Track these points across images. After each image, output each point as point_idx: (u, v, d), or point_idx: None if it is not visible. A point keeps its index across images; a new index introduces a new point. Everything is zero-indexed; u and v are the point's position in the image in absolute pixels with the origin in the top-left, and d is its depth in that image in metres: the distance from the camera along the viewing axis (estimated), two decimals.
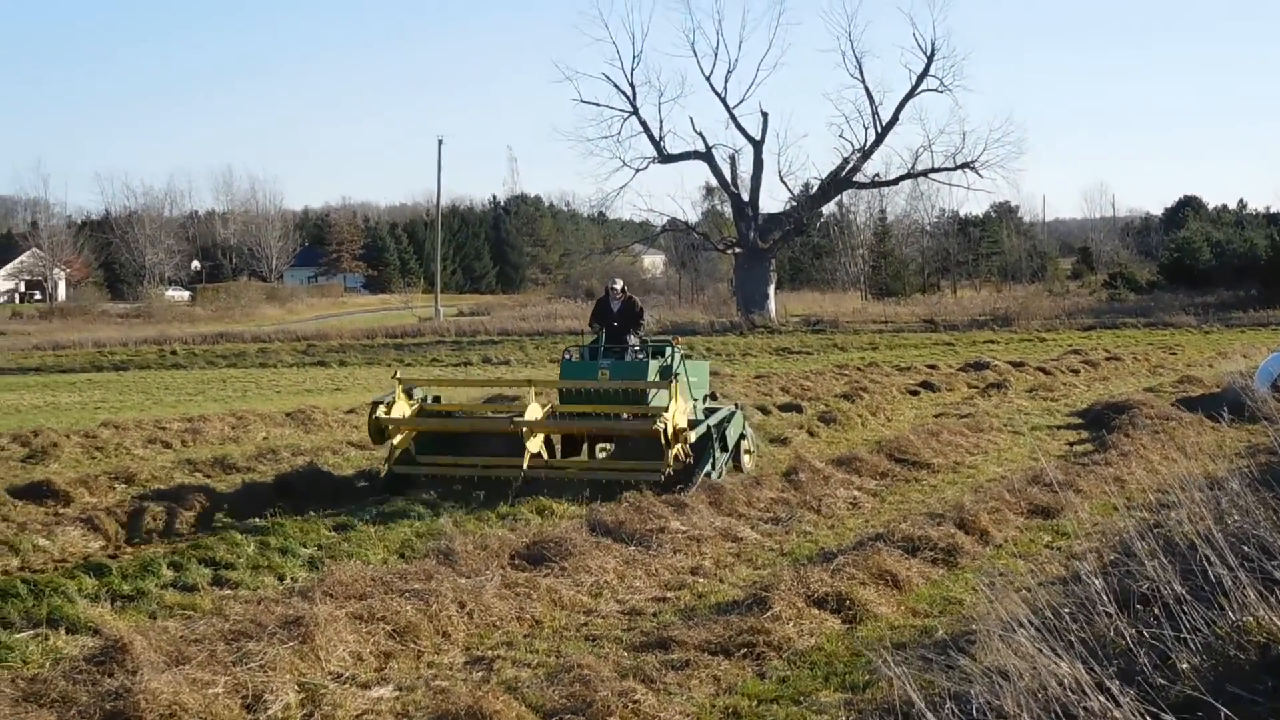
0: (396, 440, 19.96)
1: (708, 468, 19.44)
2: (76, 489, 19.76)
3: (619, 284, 22.64)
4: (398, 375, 20.61)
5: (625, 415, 20.40)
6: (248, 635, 10.80)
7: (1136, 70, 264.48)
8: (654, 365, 20.92)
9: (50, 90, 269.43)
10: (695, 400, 20.72)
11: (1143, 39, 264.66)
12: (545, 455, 19.94)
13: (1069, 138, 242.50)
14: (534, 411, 19.42)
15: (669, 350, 21.45)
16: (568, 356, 22.22)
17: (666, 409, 18.68)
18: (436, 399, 21.80)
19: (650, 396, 20.19)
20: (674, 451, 18.77)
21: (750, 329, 67.42)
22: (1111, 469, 19.31)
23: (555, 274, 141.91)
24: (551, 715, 9.20)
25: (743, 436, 21.82)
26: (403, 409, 20.04)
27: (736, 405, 22.47)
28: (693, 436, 19.36)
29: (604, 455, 21.18)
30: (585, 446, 21.13)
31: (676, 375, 20.07)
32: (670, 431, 18.54)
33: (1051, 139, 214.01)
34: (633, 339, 21.82)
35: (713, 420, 20.32)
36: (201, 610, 12.98)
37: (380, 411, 19.80)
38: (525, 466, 19.03)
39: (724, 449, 20.47)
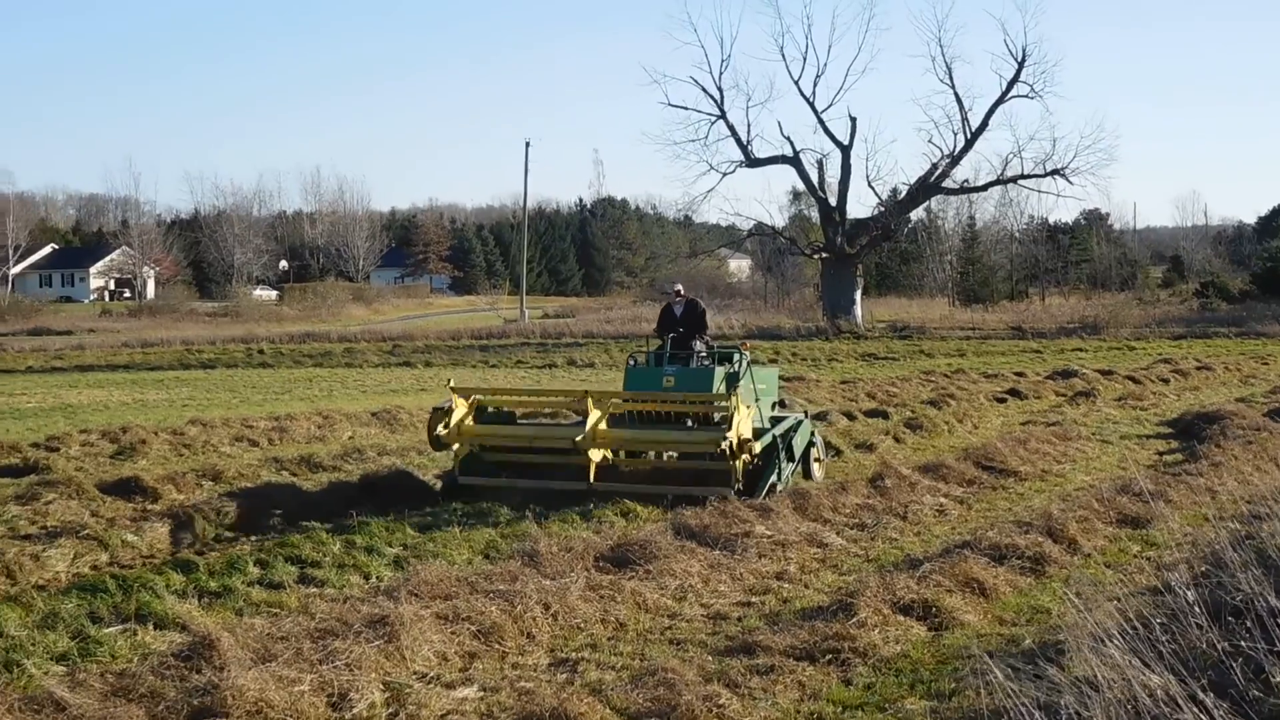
0: (456, 448, 19.67)
1: (773, 478, 19.06)
2: (164, 486, 19.90)
3: (678, 287, 22.54)
4: (451, 383, 20.37)
5: (690, 422, 19.96)
6: (333, 633, 10.83)
7: (1230, 77, 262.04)
8: (719, 372, 20.39)
9: (142, 90, 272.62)
10: (757, 407, 20.04)
11: (1237, 46, 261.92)
12: (610, 458, 19.75)
13: (1161, 145, 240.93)
14: (591, 422, 18.92)
15: (736, 356, 21.09)
16: (632, 362, 21.75)
17: (730, 422, 18.13)
18: (499, 407, 21.28)
19: (720, 407, 19.38)
20: (740, 463, 18.41)
21: (836, 334, 67.17)
22: (1202, 479, 19.13)
23: (640, 277, 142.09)
24: (636, 718, 9.19)
25: (812, 445, 21.41)
26: (461, 415, 19.59)
27: (805, 413, 22.14)
28: (758, 447, 18.89)
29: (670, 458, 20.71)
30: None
31: (739, 385, 19.57)
32: (735, 445, 18.14)
33: (1143, 146, 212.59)
34: (698, 344, 21.45)
35: (779, 430, 19.89)
36: (288, 608, 13.04)
37: (440, 428, 19.45)
38: (591, 480, 18.79)
39: (790, 459, 20.12)
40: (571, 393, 22.93)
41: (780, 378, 23.99)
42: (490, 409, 20.62)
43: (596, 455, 19.02)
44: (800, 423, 20.92)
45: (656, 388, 20.34)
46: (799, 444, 20.55)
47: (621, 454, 20.56)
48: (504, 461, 20.00)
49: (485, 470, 19.82)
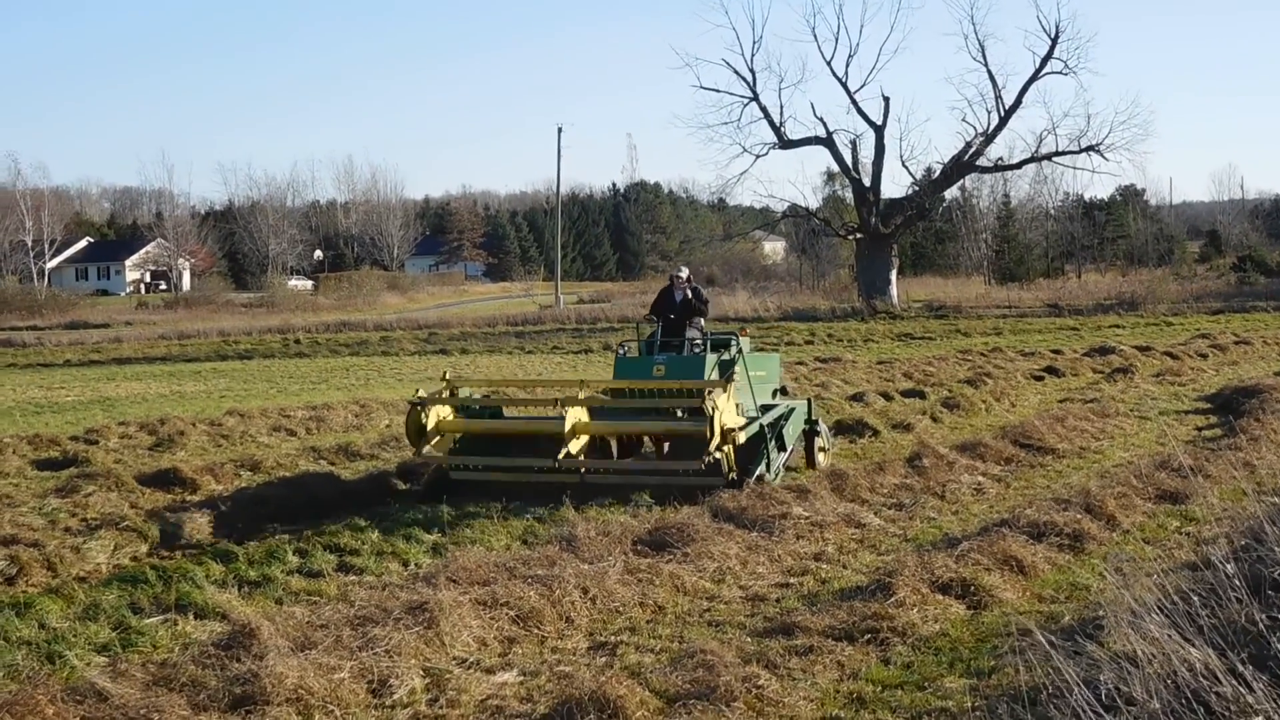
0: (434, 443, 18.70)
1: (761, 468, 18.21)
2: (203, 476, 19.99)
3: (684, 272, 21.77)
4: (447, 375, 19.58)
5: (680, 413, 18.65)
6: (373, 621, 10.87)
7: (1266, 51, 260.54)
8: (711, 360, 19.48)
9: (175, 82, 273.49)
10: (750, 393, 19.31)
11: (1273, 18, 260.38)
12: (583, 457, 18.39)
13: (1197, 120, 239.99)
14: (576, 413, 17.97)
15: (733, 343, 20.28)
16: (621, 351, 20.87)
17: (714, 406, 17.08)
18: (488, 396, 20.83)
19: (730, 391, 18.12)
20: (713, 450, 17.16)
21: (872, 315, 67.03)
22: (1241, 454, 19.06)
23: (675, 261, 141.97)
24: (675, 700, 9.19)
25: (815, 434, 20.68)
26: (442, 410, 18.77)
27: (809, 401, 21.26)
28: (742, 437, 17.96)
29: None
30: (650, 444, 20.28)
31: (733, 372, 18.67)
32: (716, 428, 17.07)
33: (1179, 121, 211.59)
34: (692, 332, 20.71)
35: (767, 418, 19.05)
36: (327, 596, 13.09)
37: (422, 416, 18.47)
38: (559, 459, 17.54)
39: (781, 448, 19.30)
40: (567, 382, 22.44)
41: (817, 359, 23.82)
42: (475, 405, 19.73)
43: (574, 446, 17.87)
44: (793, 411, 20.08)
45: (648, 377, 19.61)
46: (791, 433, 19.85)
47: (614, 453, 19.88)
48: (486, 453, 19.15)
49: (469, 466, 18.94)
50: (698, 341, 20.35)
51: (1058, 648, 8.15)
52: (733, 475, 17.52)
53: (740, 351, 19.88)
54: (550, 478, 17.95)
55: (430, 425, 18.46)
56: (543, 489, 17.87)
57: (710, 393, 17.27)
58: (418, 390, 19.17)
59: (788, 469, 19.40)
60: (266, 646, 10.10)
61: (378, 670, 9.95)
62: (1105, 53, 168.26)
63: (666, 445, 19.66)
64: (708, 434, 17.03)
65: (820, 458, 20.69)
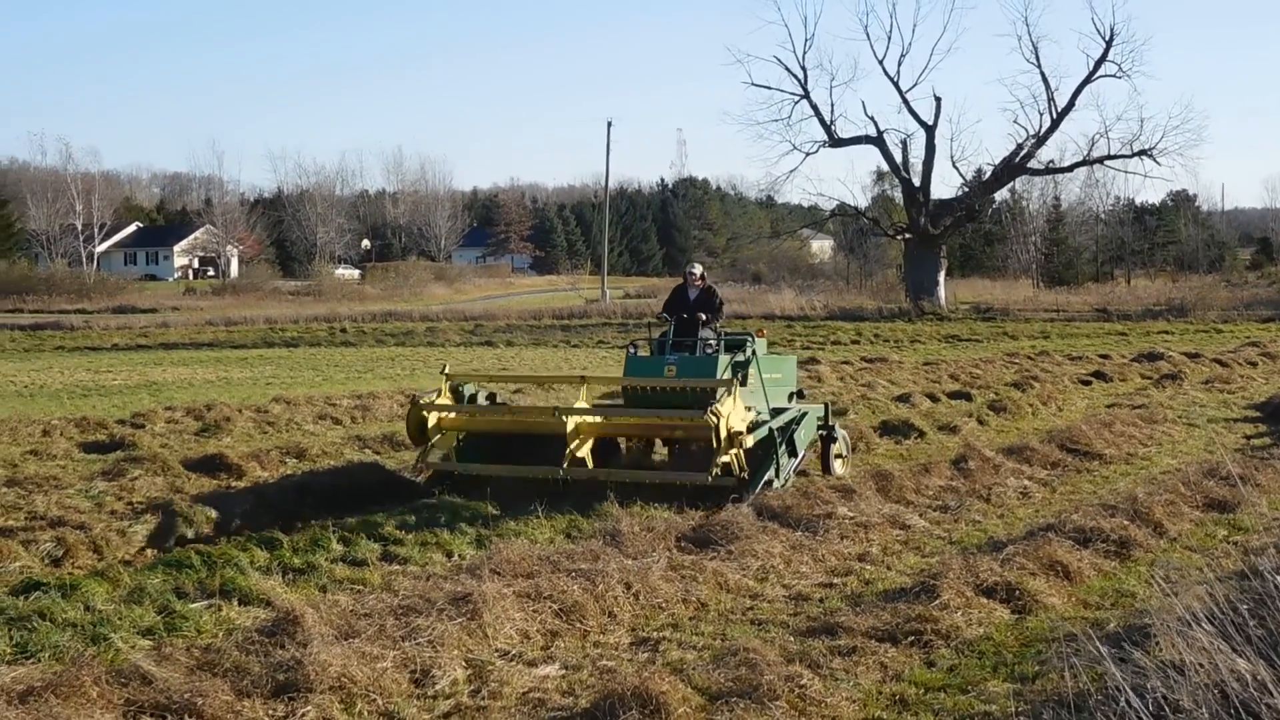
0: (436, 440, 18.45)
1: (769, 474, 17.56)
2: (248, 463, 20.06)
3: (698, 269, 21.11)
4: (446, 370, 19.06)
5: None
6: (416, 611, 10.89)
7: None
8: (723, 361, 18.80)
9: (225, 69, 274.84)
10: (758, 398, 18.67)
11: None
12: (590, 464, 17.94)
13: (1250, 125, 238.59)
14: (579, 411, 17.85)
15: (748, 344, 19.76)
16: (632, 350, 20.41)
17: (718, 415, 16.61)
18: (491, 396, 20.02)
19: (717, 396, 17.28)
20: (728, 457, 16.82)
21: (919, 315, 66.89)
22: None
23: (722, 257, 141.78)
24: (717, 698, 9.17)
25: (831, 440, 19.96)
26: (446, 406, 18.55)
27: (825, 405, 20.60)
28: (750, 441, 17.30)
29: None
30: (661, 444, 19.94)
31: (739, 374, 18.22)
32: (723, 433, 16.66)
33: (1232, 127, 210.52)
34: (706, 331, 19.83)
35: (777, 422, 18.31)
36: (371, 585, 13.11)
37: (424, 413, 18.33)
38: (564, 468, 17.43)
39: (792, 454, 18.60)
40: (567, 378, 22.51)
41: (863, 359, 23.61)
42: (476, 397, 19.33)
43: (580, 449, 17.74)
44: (805, 415, 19.27)
45: (658, 377, 19.18)
46: (803, 438, 19.08)
47: (624, 452, 19.60)
48: (490, 449, 18.88)
49: (478, 459, 18.69)
50: (711, 341, 19.73)
51: (1106, 654, 8.11)
52: (744, 475, 16.99)
53: (754, 353, 19.46)
54: (543, 473, 17.65)
55: (432, 422, 18.33)
56: (547, 489, 17.30)
57: (716, 403, 16.77)
58: (421, 397, 18.91)
59: (799, 474, 19.03)
60: (310, 634, 10.13)
61: (420, 660, 9.96)
62: (1159, 56, 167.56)
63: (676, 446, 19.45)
64: (714, 443, 16.78)
65: (837, 465, 20.02)
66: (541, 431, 18.48)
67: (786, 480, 18.08)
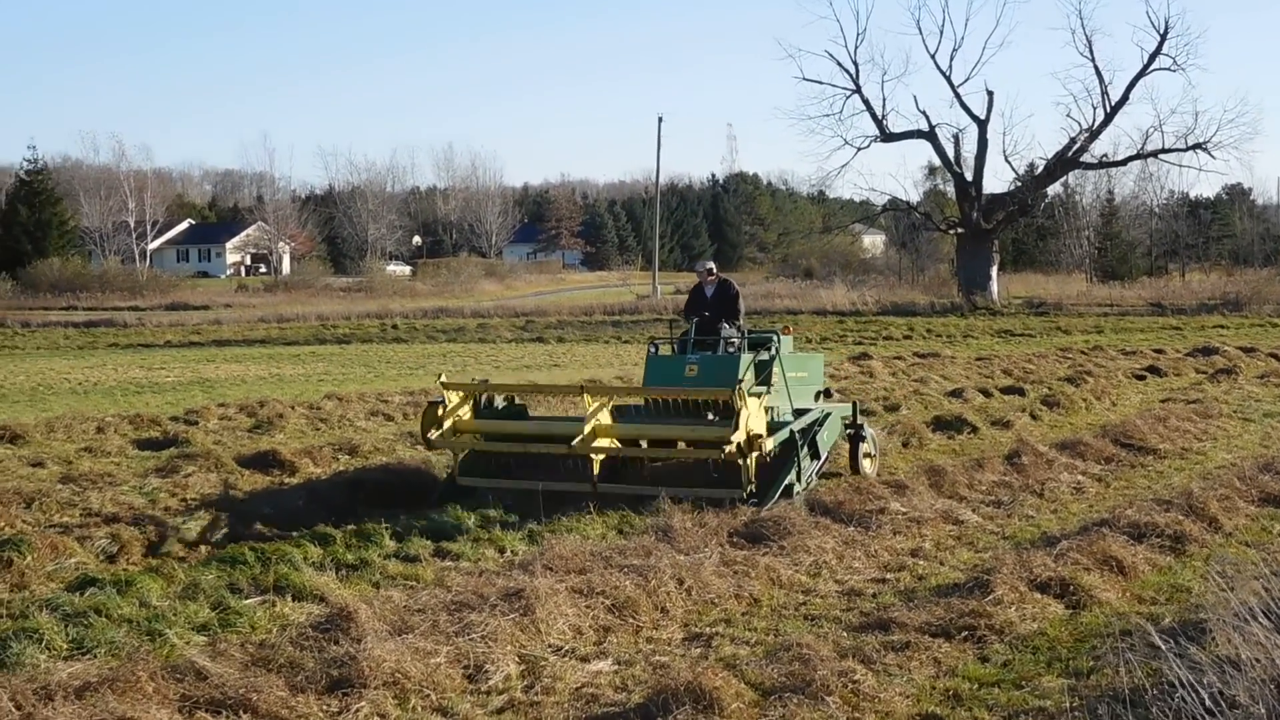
0: (442, 431, 17.77)
1: (790, 478, 16.99)
2: (301, 459, 20.13)
3: (710, 266, 20.58)
4: (442, 379, 18.39)
5: (710, 415, 17.55)
6: (469, 606, 10.91)
7: None
8: (746, 360, 18.10)
9: (277, 67, 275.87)
10: (787, 396, 18.38)
11: None
12: (617, 446, 17.35)
13: None
14: (590, 424, 16.87)
15: (772, 342, 19.16)
16: (653, 349, 19.76)
17: (737, 424, 15.98)
18: (510, 399, 19.15)
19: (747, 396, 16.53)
20: (751, 460, 16.34)
21: (971, 310, 66.68)
22: None
23: (773, 253, 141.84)
24: (770, 693, 9.16)
25: (861, 439, 19.48)
26: (459, 413, 17.95)
27: (853, 404, 20.26)
28: (769, 444, 16.67)
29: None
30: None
31: (742, 380, 17.08)
32: (742, 445, 16.10)
33: None
34: (728, 329, 19.32)
35: (798, 424, 17.71)
36: (423, 581, 13.13)
37: (433, 434, 17.72)
38: (595, 483, 16.86)
39: (815, 456, 18.09)
40: (567, 388, 21.79)
41: (915, 354, 23.37)
42: (497, 403, 18.71)
43: (600, 455, 17.10)
44: (828, 416, 18.71)
45: (678, 377, 18.60)
46: (826, 439, 18.51)
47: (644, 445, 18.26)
48: (507, 460, 18.28)
49: (487, 470, 18.09)
50: (734, 340, 19.24)
51: (1162, 649, 8.07)
52: (751, 488, 16.39)
53: (777, 352, 18.89)
54: (567, 487, 17.04)
55: (446, 425, 17.77)
56: (560, 494, 16.86)
57: (733, 430, 16.01)
58: (441, 382, 18.36)
59: (822, 476, 18.65)
60: (364, 630, 10.17)
61: (474, 656, 9.98)
62: (1214, 49, 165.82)
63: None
64: (743, 479, 16.34)
65: (865, 464, 19.46)
66: (553, 440, 17.64)
67: (808, 484, 17.60)
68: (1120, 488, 18.48)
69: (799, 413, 18.30)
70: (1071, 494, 17.94)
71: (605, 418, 17.28)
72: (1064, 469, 19.14)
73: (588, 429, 16.83)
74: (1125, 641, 9.54)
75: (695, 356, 18.99)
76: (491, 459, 18.25)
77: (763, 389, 17.57)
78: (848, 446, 19.75)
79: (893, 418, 25.48)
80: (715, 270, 20.43)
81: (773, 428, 17.09)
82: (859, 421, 19.72)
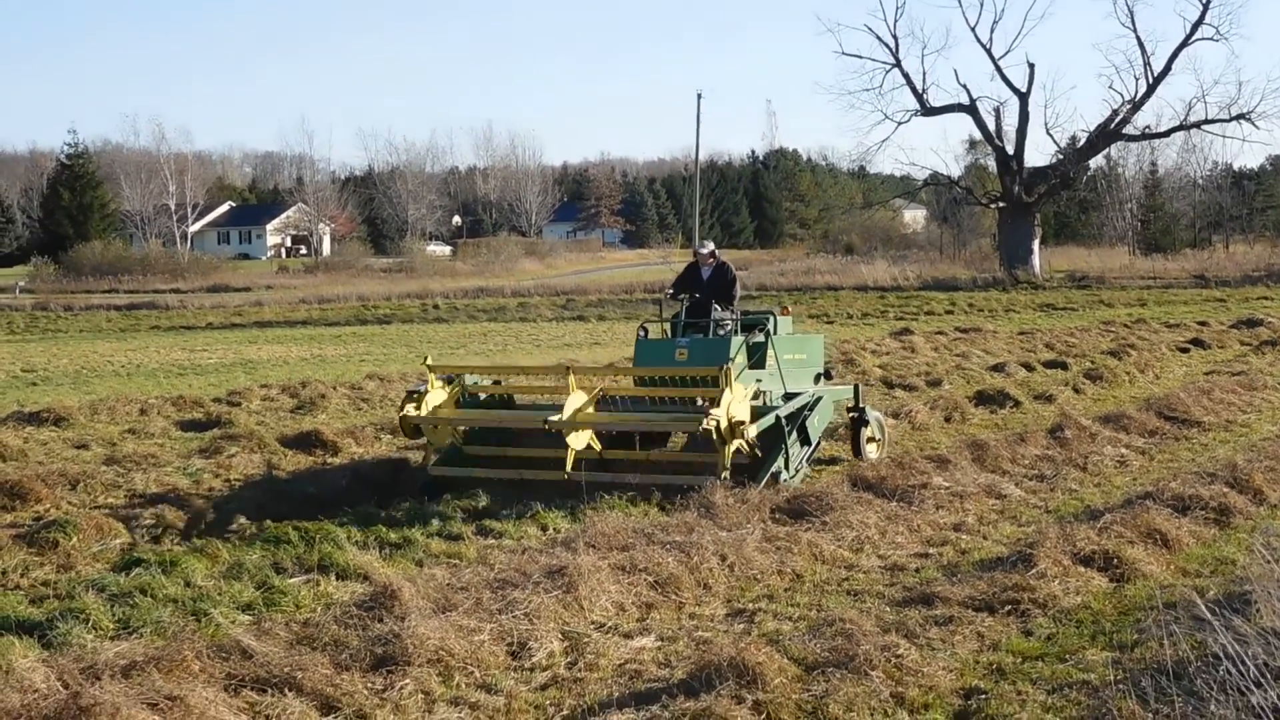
0: (432, 437, 17.45)
1: (777, 465, 16.35)
2: (344, 439, 20.20)
3: (709, 247, 19.94)
4: (427, 361, 18.17)
5: (700, 400, 16.62)
6: (512, 584, 10.93)
7: None
8: (738, 342, 17.70)
9: (316, 48, 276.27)
10: (774, 381, 17.71)
11: None
12: (597, 447, 16.85)
13: None
14: (573, 404, 16.27)
15: (766, 322, 18.62)
16: (643, 332, 19.22)
17: (718, 404, 15.60)
18: (497, 383, 18.75)
19: (733, 379, 16.01)
20: (732, 448, 15.87)
21: (1013, 285, 66.51)
22: None
23: (814, 229, 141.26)
24: (814, 668, 9.15)
25: (864, 423, 18.95)
26: (438, 400, 17.42)
27: (855, 386, 19.77)
28: (753, 431, 16.14)
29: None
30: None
31: (733, 359, 16.80)
32: (724, 427, 15.64)
33: None
34: (721, 311, 18.69)
35: (785, 409, 16.85)
36: (466, 559, 13.18)
37: (409, 409, 17.25)
38: (568, 471, 16.04)
39: (805, 442, 17.21)
40: (550, 369, 20.96)
41: (957, 329, 23.15)
42: (481, 395, 18.31)
43: (578, 442, 16.38)
44: (819, 399, 17.65)
45: (669, 360, 18.00)
46: (818, 425, 17.58)
47: (637, 444, 17.68)
48: (486, 451, 17.71)
49: (464, 460, 17.52)
50: (726, 322, 18.63)
51: (1207, 621, 8.04)
52: (725, 475, 15.64)
53: (770, 333, 18.33)
54: (546, 475, 16.28)
55: (424, 414, 17.23)
56: (538, 484, 16.27)
57: (713, 407, 15.63)
58: (427, 364, 18.06)
59: (817, 462, 18.40)
60: (408, 608, 10.19)
61: (517, 633, 10.00)
62: (1257, 18, 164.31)
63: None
64: (716, 443, 15.84)
65: (869, 449, 18.95)
66: (531, 426, 17.15)
67: (797, 471, 16.89)
68: (1164, 461, 18.42)
69: (788, 397, 17.45)
70: (1115, 467, 17.90)
71: (590, 409, 16.62)
72: (1107, 442, 19.10)
73: (568, 413, 16.19)
74: (1169, 614, 9.52)
75: (686, 340, 18.52)
76: (478, 441, 17.83)
77: (754, 375, 17.09)
78: (850, 431, 19.33)
79: (935, 392, 25.45)
80: (715, 252, 19.79)
81: (760, 412, 16.57)
82: (861, 405, 19.14)
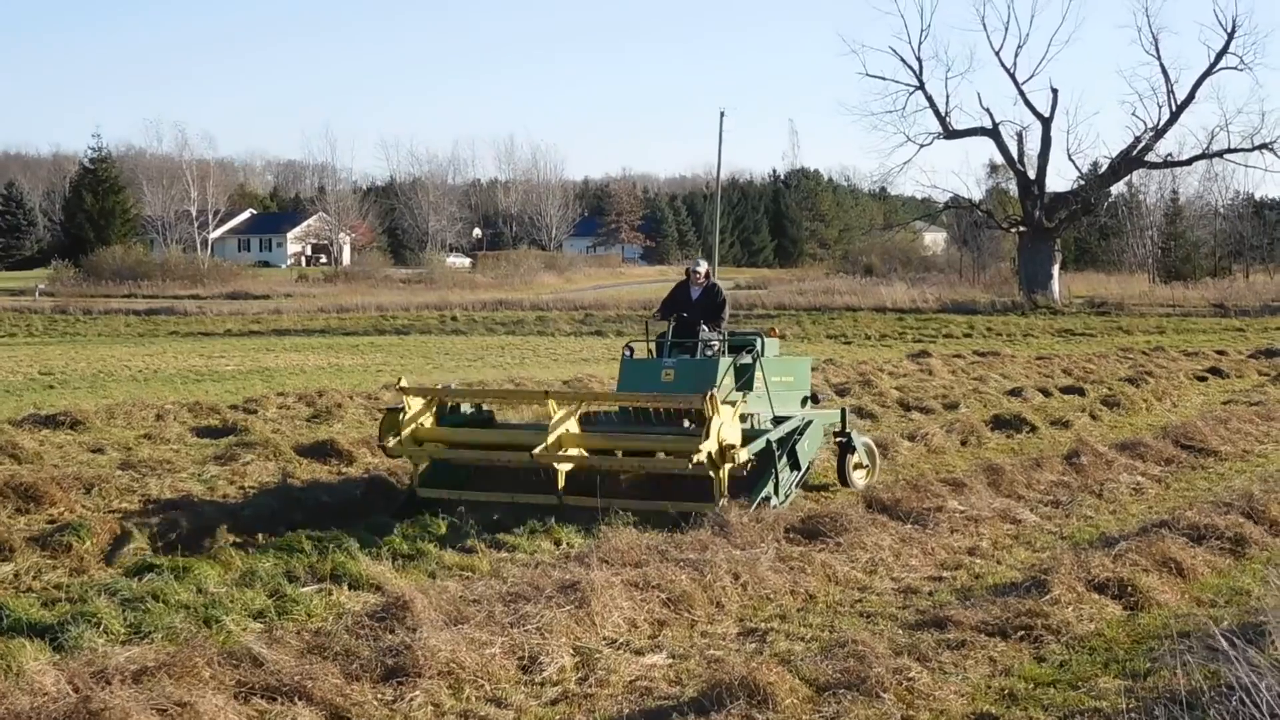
0: (402, 439, 16.82)
1: (767, 490, 15.86)
2: (359, 449, 20.19)
3: (703, 267, 19.15)
4: (401, 383, 17.77)
5: (688, 423, 16.52)
6: (525, 598, 10.93)
7: None
8: (725, 364, 17.33)
9: (339, 57, 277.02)
10: (762, 404, 17.32)
11: None
12: (585, 455, 16.38)
13: None
14: (555, 430, 15.94)
15: (759, 343, 18.18)
16: (628, 352, 18.70)
17: (707, 435, 15.05)
18: (478, 406, 18.50)
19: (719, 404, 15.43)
20: (724, 473, 15.43)
21: (1032, 309, 66.43)
22: None
23: (834, 249, 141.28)
24: (825, 689, 9.13)
25: (850, 449, 18.41)
26: (416, 407, 16.94)
27: (842, 410, 19.40)
28: (744, 455, 15.64)
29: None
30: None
31: (718, 385, 16.43)
32: (714, 455, 15.25)
33: None
34: (708, 332, 18.16)
35: (776, 433, 16.51)
36: (479, 572, 13.17)
37: (390, 440, 16.79)
38: (561, 497, 15.82)
39: (795, 466, 16.71)
40: (530, 394, 20.68)
41: (975, 353, 23.10)
42: (460, 408, 18.04)
43: (566, 465, 16.07)
44: (809, 424, 17.20)
45: (654, 382, 17.65)
46: (807, 449, 17.05)
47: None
48: (470, 471, 17.21)
49: (450, 481, 16.91)
50: (713, 343, 18.15)
51: (1222, 651, 8.00)
52: (723, 501, 15.17)
53: (758, 355, 17.88)
54: (534, 499, 16.05)
55: (406, 433, 16.80)
56: (526, 506, 16.01)
57: (703, 440, 15.11)
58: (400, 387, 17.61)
59: (817, 486, 18.33)
60: (420, 619, 10.20)
61: (528, 647, 9.99)
62: None
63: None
64: (715, 492, 15.43)
65: (857, 476, 18.39)
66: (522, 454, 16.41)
67: (787, 497, 16.38)
68: (1180, 489, 18.37)
69: (778, 420, 17.16)
70: (1131, 495, 17.85)
71: (573, 426, 16.37)
72: (1123, 470, 19.06)
73: (551, 439, 15.91)
74: (1183, 644, 9.49)
75: (672, 361, 18.01)
76: (455, 468, 17.21)
77: (739, 395, 16.49)
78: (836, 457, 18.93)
79: (951, 416, 25.42)
80: (709, 272, 19.26)
81: (750, 436, 16.25)
82: (848, 430, 18.72)
